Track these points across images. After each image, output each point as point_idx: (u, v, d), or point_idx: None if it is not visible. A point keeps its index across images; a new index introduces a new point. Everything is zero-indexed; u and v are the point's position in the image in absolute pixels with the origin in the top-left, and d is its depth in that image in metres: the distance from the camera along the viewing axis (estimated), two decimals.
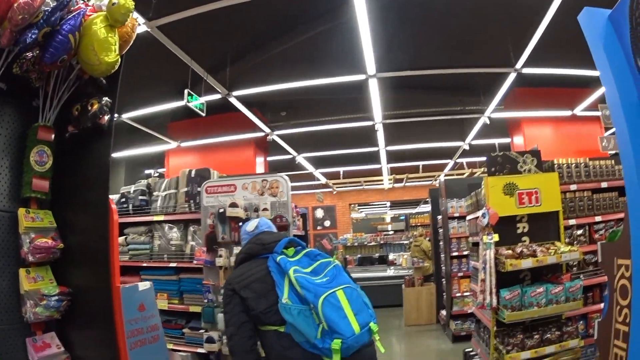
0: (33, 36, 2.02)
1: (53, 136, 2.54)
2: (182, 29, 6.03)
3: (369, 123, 9.94)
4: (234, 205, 4.61)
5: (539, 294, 3.98)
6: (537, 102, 9.34)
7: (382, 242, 16.56)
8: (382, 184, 18.68)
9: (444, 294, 9.28)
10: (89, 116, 2.47)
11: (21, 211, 2.43)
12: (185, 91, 6.78)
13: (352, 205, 22.15)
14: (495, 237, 4.15)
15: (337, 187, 19.85)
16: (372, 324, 2.54)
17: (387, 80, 7.96)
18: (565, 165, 4.73)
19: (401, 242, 16.44)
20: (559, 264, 4.23)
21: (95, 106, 2.46)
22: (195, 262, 4.78)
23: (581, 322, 4.64)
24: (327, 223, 20.81)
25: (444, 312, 9.35)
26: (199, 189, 4.98)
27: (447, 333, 8.92)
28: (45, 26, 2.05)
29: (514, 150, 6.55)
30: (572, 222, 4.56)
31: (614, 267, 2.38)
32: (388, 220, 27.91)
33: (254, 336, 2.68)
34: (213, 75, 7.54)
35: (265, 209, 4.63)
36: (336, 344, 2.39)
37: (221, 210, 4.62)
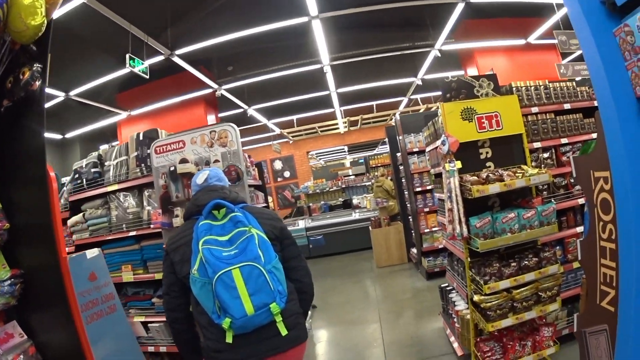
0: None
1: None
2: None
3: (317, 66, 9.75)
4: (184, 161, 4.43)
5: (511, 220, 3.90)
6: (488, 33, 9.31)
7: (343, 186, 16.63)
8: (338, 128, 18.58)
9: (412, 231, 9.34)
10: (21, 85, 2.32)
11: None
12: (127, 56, 6.46)
13: (310, 153, 22.07)
14: (458, 164, 4.04)
15: (292, 137, 19.67)
16: (272, 305, 2.50)
17: (331, 21, 7.69)
18: (524, 88, 4.63)
19: (363, 184, 16.54)
20: (528, 189, 4.16)
21: (27, 74, 2.31)
22: (152, 226, 4.59)
23: (558, 247, 4.64)
24: (287, 174, 20.73)
25: (414, 250, 9.44)
26: (148, 151, 4.76)
27: (420, 271, 9.02)
28: None
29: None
30: (537, 145, 4.49)
31: (591, 180, 2.28)
32: (348, 165, 28.02)
33: (182, 296, 2.70)
34: (154, 38, 7.20)
35: (216, 161, 4.48)
36: (225, 323, 2.43)
37: (172, 169, 4.42)
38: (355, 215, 13.85)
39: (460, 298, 4.86)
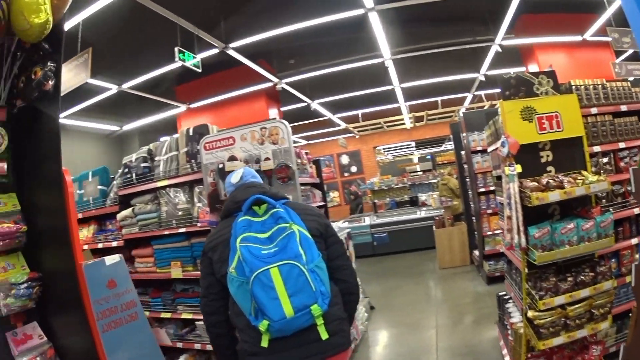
0: None
1: (5, 114, 2.36)
2: None
3: (379, 60, 9.53)
4: (232, 158, 4.32)
5: (570, 231, 3.57)
6: (546, 28, 8.99)
7: (409, 183, 16.33)
8: (404, 123, 18.28)
9: (476, 233, 8.98)
10: (33, 85, 2.26)
11: None
12: (176, 49, 6.46)
13: (377, 148, 21.83)
14: (518, 168, 3.73)
15: (358, 131, 19.49)
16: (314, 307, 2.32)
17: (388, 14, 7.47)
18: (583, 86, 4.24)
19: (429, 181, 16.19)
20: (587, 196, 3.79)
21: (39, 73, 2.26)
22: (199, 224, 4.54)
23: (613, 260, 4.23)
24: (354, 169, 20.66)
25: (476, 253, 9.08)
26: (198, 147, 4.69)
27: (481, 274, 8.67)
28: None
29: None
30: (596, 149, 4.10)
31: None
32: (415, 160, 27.62)
33: (221, 299, 2.58)
34: (206, 31, 7.18)
35: (267, 159, 4.32)
36: (263, 325, 2.27)
37: (220, 166, 4.33)
38: (420, 213, 13.57)
39: (516, 309, 4.54)
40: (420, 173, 19.30)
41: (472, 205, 8.79)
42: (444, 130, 18.80)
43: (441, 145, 24.77)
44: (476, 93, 14.71)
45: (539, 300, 3.57)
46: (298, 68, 10.33)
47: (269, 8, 7.21)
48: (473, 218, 9.04)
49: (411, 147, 25.71)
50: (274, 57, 9.89)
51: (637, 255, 4.18)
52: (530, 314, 3.67)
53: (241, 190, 2.70)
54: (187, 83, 10.41)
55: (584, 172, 3.79)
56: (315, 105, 13.31)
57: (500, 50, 9.34)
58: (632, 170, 2.21)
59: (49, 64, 2.25)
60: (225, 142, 4.52)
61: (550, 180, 3.62)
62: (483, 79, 11.96)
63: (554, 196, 3.51)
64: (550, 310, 3.62)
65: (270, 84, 10.34)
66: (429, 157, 25.29)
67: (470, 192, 8.83)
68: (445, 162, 18.78)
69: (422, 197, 15.56)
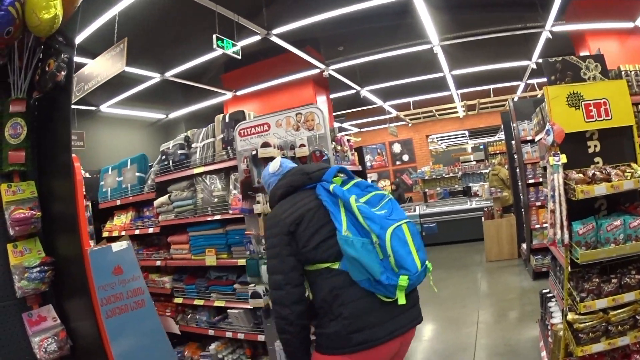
0: None
1: (25, 106, 2.44)
2: None
3: (427, 47, 9.29)
4: (265, 145, 4.18)
5: (616, 228, 3.32)
6: (597, 14, 8.62)
7: (460, 173, 16.03)
8: (456, 111, 17.94)
9: (524, 225, 8.67)
10: (47, 77, 2.35)
11: (3, 187, 2.37)
12: (214, 36, 6.43)
13: (430, 137, 21.48)
14: (563, 158, 3.48)
15: (410, 119, 19.22)
16: (428, 263, 2.41)
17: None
18: (633, 72, 3.94)
19: (480, 171, 15.85)
20: (637, 191, 3.50)
21: (52, 65, 2.35)
22: (231, 211, 4.49)
23: None
24: (406, 157, 20.42)
25: (524, 246, 8.78)
26: (234, 134, 4.61)
27: (528, 269, 8.39)
28: None
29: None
30: None
31: None
32: (469, 150, 27.07)
33: (303, 284, 2.44)
34: (247, 17, 7.14)
35: (302, 145, 4.15)
36: (403, 280, 2.24)
37: (254, 153, 4.24)
38: (470, 204, 13.36)
39: (557, 309, 4.30)
40: (473, 162, 18.86)
41: (522, 197, 8.48)
42: (496, 120, 18.36)
43: (495, 135, 24.18)
44: (529, 81, 14.38)
45: (580, 302, 3.34)
46: (346, 55, 10.22)
47: None
48: (522, 210, 8.72)
49: (465, 137, 25.23)
50: (321, 43, 9.86)
51: None
52: (570, 316, 3.45)
53: (306, 165, 2.76)
54: (233, 71, 10.49)
55: (634, 165, 3.51)
56: (364, 92, 13.15)
57: (550, 36, 8.99)
58: None
59: (62, 55, 2.31)
60: (260, 129, 4.43)
61: (597, 173, 3.37)
62: (534, 66, 11.60)
63: (600, 189, 3.27)
64: (592, 314, 3.39)
65: (317, 71, 10.27)
66: (481, 146, 24.72)
67: (520, 183, 8.52)
68: (498, 152, 18.35)
69: (474, 187, 15.25)
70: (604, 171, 3.39)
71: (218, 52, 6.81)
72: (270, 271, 2.39)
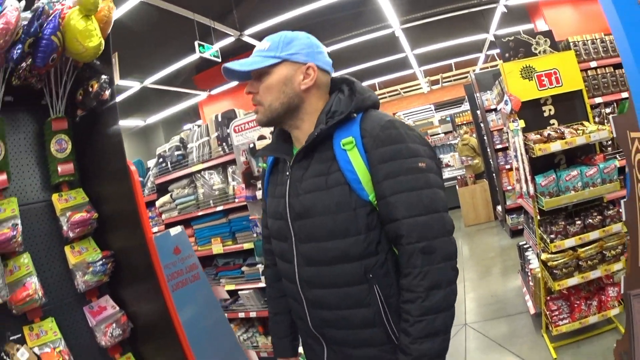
0: (18, 51, 2.16)
1: (66, 124, 2.71)
2: None
3: (389, 31, 9.72)
4: (262, 137, 4.63)
5: (574, 178, 3.87)
6: None
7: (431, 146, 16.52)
8: (421, 87, 18.37)
9: (497, 188, 9.25)
10: (91, 97, 2.61)
11: (55, 197, 2.62)
12: (196, 43, 6.84)
13: (397, 114, 21.95)
14: (521, 123, 4.02)
15: None
16: None
17: None
18: (581, 42, 4.49)
19: (449, 142, 16.38)
20: (590, 145, 4.07)
21: (95, 86, 2.59)
22: (237, 200, 4.89)
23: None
24: None
25: (499, 208, 9.36)
26: (228, 131, 5.03)
27: (505, 228, 8.96)
28: (28, 38, 2.18)
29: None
30: (598, 100, 4.37)
31: (629, 141, 2.27)
32: (436, 123, 27.58)
33: None
34: (220, 22, 7.50)
35: None
36: None
37: (251, 146, 4.66)
38: (445, 174, 13.77)
39: (534, 256, 4.87)
40: (442, 135, 19.41)
41: (492, 162, 9.03)
42: (460, 92, 18.87)
43: (461, 106, 24.74)
44: (488, 53, 14.79)
45: (550, 243, 3.89)
46: None
47: None
48: (493, 174, 9.29)
49: (431, 111, 25.71)
50: None
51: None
52: (543, 256, 4.01)
53: None
54: (205, 71, 10.76)
55: (586, 123, 4.07)
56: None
57: (505, 10, 9.46)
58: (612, 117, 2.46)
59: (102, 77, 2.59)
60: (253, 124, 4.83)
61: (552, 132, 3.91)
62: (493, 39, 11.98)
63: (556, 146, 3.79)
64: (562, 252, 3.94)
65: None
66: (448, 118, 25.30)
67: (488, 150, 9.07)
68: (465, 122, 18.91)
69: (446, 158, 15.77)
70: (558, 131, 3.93)
71: (195, 56, 7.19)
72: (438, 207, 1.58)
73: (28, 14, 2.21)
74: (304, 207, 1.68)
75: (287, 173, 1.76)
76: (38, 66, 2.30)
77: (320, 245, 1.66)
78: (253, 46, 8.70)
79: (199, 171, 5.43)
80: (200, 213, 5.43)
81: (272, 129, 1.99)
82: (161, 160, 5.72)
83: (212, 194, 5.32)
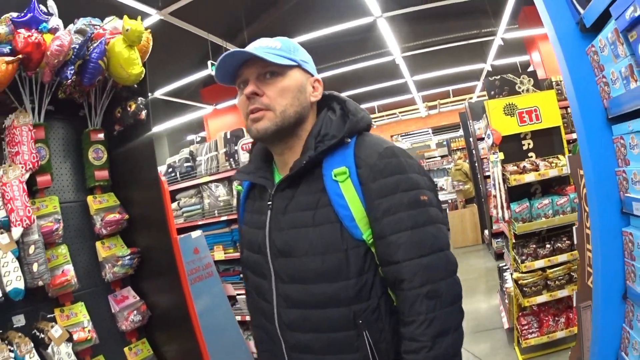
0: (71, 71, 2.48)
1: (103, 136, 3.08)
2: (192, 8, 6.42)
3: (390, 58, 10.20)
4: None
5: (546, 206, 4.26)
6: None
7: (426, 169, 16.89)
8: (419, 111, 18.84)
9: (485, 213, 9.64)
10: (129, 115, 2.96)
11: (89, 198, 2.99)
12: (208, 62, 7.29)
13: (394, 137, 22.42)
14: (501, 155, 4.44)
15: (375, 122, 20.14)
16: None
17: (396, 17, 8.17)
18: (562, 82, 4.93)
19: (444, 167, 16.79)
20: (565, 177, 4.42)
21: (133, 106, 2.95)
22: None
23: None
24: None
25: (487, 232, 9.75)
26: (235, 148, 5.43)
27: (490, 252, 9.32)
28: (77, 59, 2.50)
29: (527, 69, 6.69)
30: (575, 136, 4.77)
31: (578, 176, 2.65)
32: (433, 146, 27.93)
33: None
34: (231, 41, 7.95)
35: None
36: None
37: None
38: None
39: (510, 276, 5.28)
40: (438, 158, 19.85)
41: (481, 188, 9.44)
42: (457, 117, 19.35)
43: (458, 131, 25.17)
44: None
45: (521, 264, 4.32)
46: (316, 67, 10.99)
47: (286, 16, 7.96)
48: (482, 200, 9.68)
49: (428, 134, 26.19)
50: None
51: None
52: (515, 275, 4.43)
53: None
54: (212, 85, 11.14)
55: (560, 156, 4.48)
56: None
57: (502, 43, 9.91)
58: (567, 157, 2.84)
59: (139, 98, 2.97)
60: None
61: (527, 165, 4.33)
62: (490, 69, 12.49)
63: (530, 177, 4.22)
64: (532, 272, 4.35)
65: None
66: (445, 142, 25.73)
67: (478, 176, 9.48)
68: (461, 147, 19.36)
69: (440, 181, 16.13)
70: (534, 163, 4.36)
71: (205, 72, 7.65)
72: (442, 245, 1.47)
73: (78, 37, 2.54)
74: (286, 244, 1.50)
75: (269, 203, 1.56)
76: (85, 85, 2.66)
77: (305, 288, 1.48)
78: None
79: (206, 183, 5.81)
80: (204, 221, 5.82)
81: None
82: (170, 170, 6.12)
83: (217, 204, 5.71)
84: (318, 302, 1.46)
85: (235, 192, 2.07)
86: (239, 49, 1.46)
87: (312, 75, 1.60)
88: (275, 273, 1.53)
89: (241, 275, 5.55)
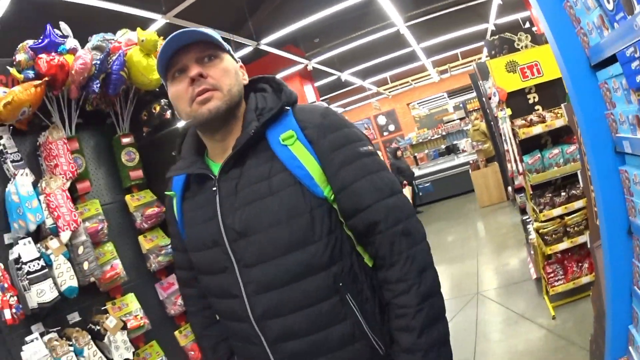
0: (97, 85, 2.67)
1: (133, 139, 3.26)
2: (195, 8, 6.60)
3: (394, 29, 10.31)
4: None
5: (556, 155, 4.39)
6: None
7: (444, 133, 17.00)
8: (431, 77, 18.80)
9: (506, 171, 9.71)
10: (155, 116, 3.18)
11: (128, 197, 3.19)
12: None
13: (411, 104, 22.39)
14: (508, 111, 4.58)
15: (389, 92, 20.15)
16: None
17: None
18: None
19: (461, 129, 16.80)
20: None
21: (158, 108, 3.16)
22: None
23: None
24: (392, 127, 21.21)
25: (510, 189, 9.82)
26: None
27: (516, 207, 9.39)
28: (101, 73, 2.68)
29: (528, 23, 6.72)
30: None
31: (574, 123, 2.78)
32: (451, 110, 27.75)
33: None
34: (238, 33, 8.13)
35: None
36: None
37: None
38: (458, 160, 14.36)
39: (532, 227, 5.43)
40: (457, 121, 19.77)
41: (499, 146, 9.51)
42: (469, 79, 19.26)
43: (472, 92, 24.92)
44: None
45: (540, 213, 4.47)
46: (323, 46, 11.12)
47: (285, 2, 8.16)
48: (503, 157, 9.73)
49: (444, 98, 26.01)
50: (300, 40, 10.70)
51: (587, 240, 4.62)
52: (535, 225, 4.59)
53: None
54: None
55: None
56: (345, 76, 14.15)
57: (501, 2, 9.90)
58: (563, 105, 2.98)
59: (162, 100, 3.17)
60: None
61: (534, 118, 4.47)
62: (494, 28, 12.42)
63: (537, 129, 4.35)
64: (551, 221, 4.50)
65: (301, 66, 11.26)
66: (461, 105, 25.54)
67: (495, 134, 9.54)
68: (476, 108, 19.28)
69: (460, 143, 16.12)
70: (540, 116, 4.49)
71: None
72: (398, 188, 1.51)
73: (98, 53, 2.70)
74: (246, 222, 1.44)
75: (214, 189, 1.51)
76: (110, 95, 2.86)
77: (276, 264, 1.42)
78: (270, 53, 9.44)
79: None
80: None
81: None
82: None
83: None
84: (294, 275, 1.41)
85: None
86: (184, 29, 1.43)
87: (237, 62, 1.61)
88: (237, 260, 1.46)
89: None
